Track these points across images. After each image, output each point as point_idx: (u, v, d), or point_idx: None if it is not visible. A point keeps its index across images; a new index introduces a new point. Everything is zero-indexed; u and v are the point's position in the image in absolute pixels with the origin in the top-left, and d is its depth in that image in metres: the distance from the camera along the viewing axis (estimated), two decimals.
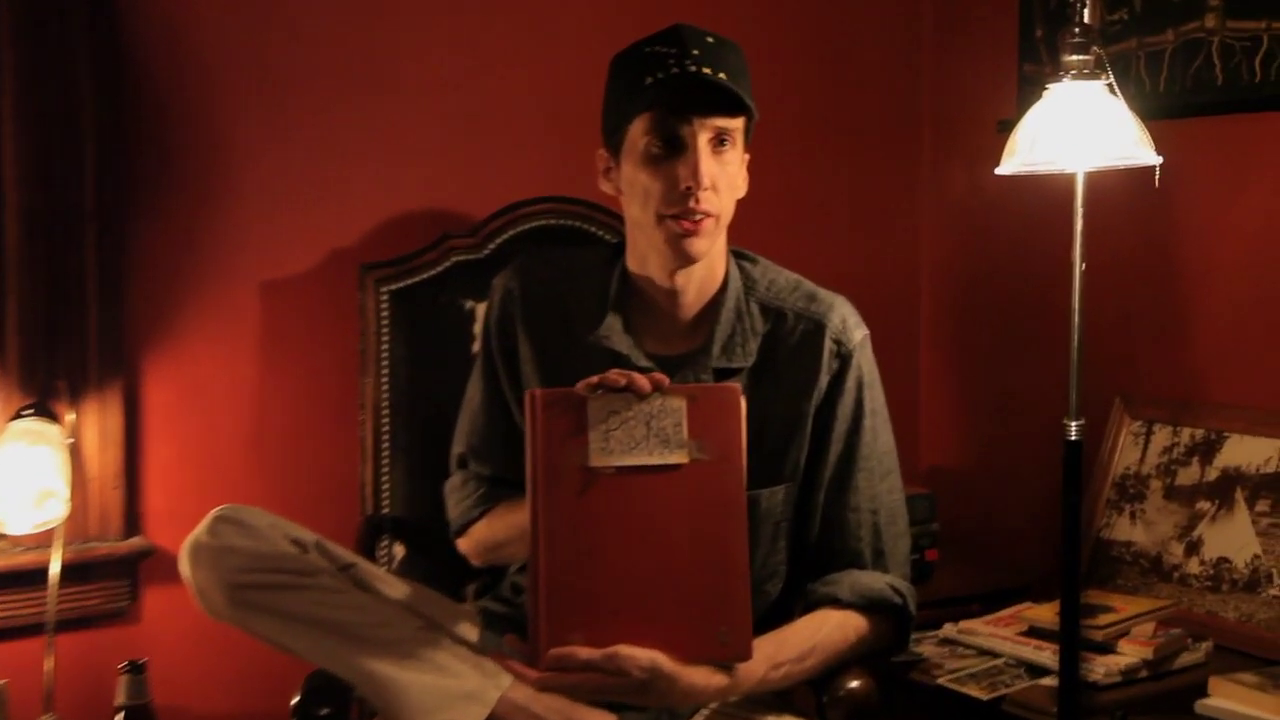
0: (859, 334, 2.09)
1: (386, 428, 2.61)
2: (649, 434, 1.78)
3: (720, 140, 1.94)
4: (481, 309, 2.57)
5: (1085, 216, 2.25)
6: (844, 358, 2.06)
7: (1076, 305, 2.26)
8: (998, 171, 2.30)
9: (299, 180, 2.75)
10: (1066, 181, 2.29)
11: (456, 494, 2.20)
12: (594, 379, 1.80)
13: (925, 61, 3.43)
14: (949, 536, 3.12)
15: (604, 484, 1.76)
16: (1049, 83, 2.25)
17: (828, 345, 2.05)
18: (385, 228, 2.81)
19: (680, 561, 1.78)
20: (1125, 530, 2.87)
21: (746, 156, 2.02)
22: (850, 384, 2.06)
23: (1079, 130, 2.19)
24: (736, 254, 2.11)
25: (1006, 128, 2.34)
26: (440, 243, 2.68)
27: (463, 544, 2.19)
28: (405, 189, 2.83)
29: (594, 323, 2.05)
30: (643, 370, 1.89)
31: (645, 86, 1.91)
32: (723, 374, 2.02)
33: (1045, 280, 3.07)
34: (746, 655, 1.80)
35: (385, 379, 2.62)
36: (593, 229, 2.76)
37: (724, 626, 1.77)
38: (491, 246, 2.69)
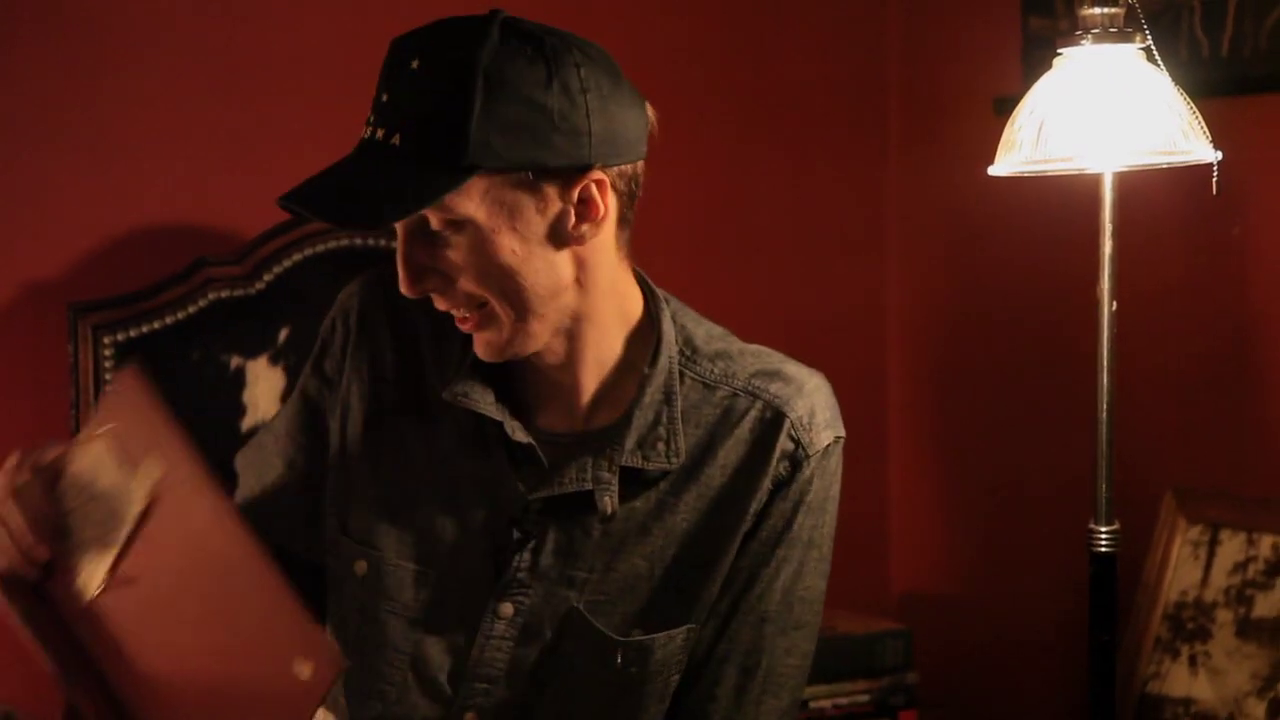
0: (825, 437, 2.04)
1: None
2: (105, 506, 1.85)
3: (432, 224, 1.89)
4: (254, 368, 2.61)
5: (1116, 235, 2.29)
6: (795, 463, 2.03)
7: (1105, 362, 2.30)
8: (992, 171, 2.33)
9: None
10: (1089, 186, 2.33)
11: None
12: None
13: (892, 15, 3.47)
14: (931, 691, 3.13)
15: (103, 610, 1.85)
16: (1063, 45, 2.29)
17: (782, 443, 2.02)
18: (112, 251, 2.78)
19: (208, 615, 1.84)
20: (1183, 682, 2.88)
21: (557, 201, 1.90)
22: (788, 503, 2.03)
23: (1105, 113, 2.21)
24: (666, 301, 2.07)
25: (1005, 108, 2.37)
26: (193, 272, 2.67)
27: None
28: (141, 195, 2.81)
29: (454, 374, 2.02)
30: (523, 447, 1.97)
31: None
32: (634, 477, 2.00)
33: (1060, 325, 3.09)
34: (337, 668, 1.81)
35: None
36: None
37: (298, 656, 1.78)
38: (267, 278, 2.69)
